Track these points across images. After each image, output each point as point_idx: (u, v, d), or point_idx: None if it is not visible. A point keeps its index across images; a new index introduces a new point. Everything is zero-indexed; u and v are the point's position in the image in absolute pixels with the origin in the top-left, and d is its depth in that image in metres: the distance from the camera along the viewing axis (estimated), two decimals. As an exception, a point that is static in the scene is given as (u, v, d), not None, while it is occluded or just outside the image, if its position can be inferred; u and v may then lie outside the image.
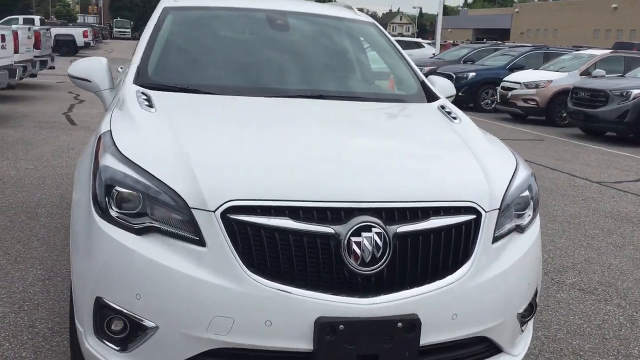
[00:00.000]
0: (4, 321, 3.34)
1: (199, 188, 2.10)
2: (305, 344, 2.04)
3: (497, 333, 2.34)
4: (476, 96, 16.76)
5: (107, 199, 2.20)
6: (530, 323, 2.67)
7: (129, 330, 2.16)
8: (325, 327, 2.02)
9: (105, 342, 2.21)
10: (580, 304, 4.07)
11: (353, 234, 2.07)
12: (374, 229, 2.08)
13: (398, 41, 18.33)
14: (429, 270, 2.17)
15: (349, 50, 3.79)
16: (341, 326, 2.03)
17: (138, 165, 2.21)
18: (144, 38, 3.40)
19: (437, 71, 17.73)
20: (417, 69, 3.66)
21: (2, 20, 31.49)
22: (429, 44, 29.78)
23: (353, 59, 3.76)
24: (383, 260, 2.09)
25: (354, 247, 2.06)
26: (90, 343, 2.25)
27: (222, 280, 2.03)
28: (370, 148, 2.51)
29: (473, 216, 2.27)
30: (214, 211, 2.06)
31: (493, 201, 2.34)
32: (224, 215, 2.06)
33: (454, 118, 3.06)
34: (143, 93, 2.87)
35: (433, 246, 2.17)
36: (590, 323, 3.78)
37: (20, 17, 30.60)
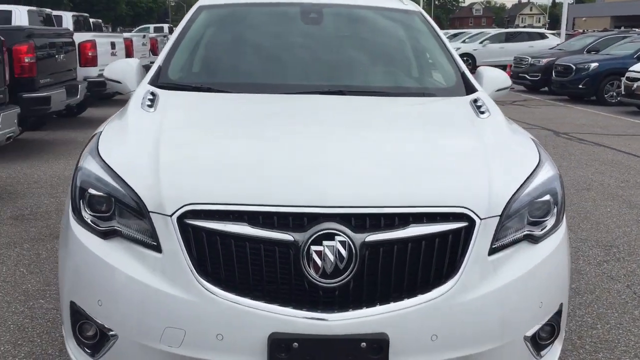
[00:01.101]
0: (44, 317, 3.46)
1: (160, 191, 2.01)
2: (258, 361, 1.89)
3: (496, 358, 2.04)
4: (599, 88, 15.51)
5: (81, 201, 2.17)
6: (556, 347, 2.31)
7: (98, 337, 2.12)
8: (278, 344, 1.86)
9: (81, 347, 2.19)
10: (662, 322, 3.55)
11: (313, 243, 1.88)
12: (337, 237, 1.88)
13: (518, 33, 17.44)
14: (405, 284, 1.93)
15: (384, 42, 3.54)
16: (295, 344, 1.86)
17: (110, 168, 2.16)
18: (173, 37, 3.39)
19: (556, 62, 16.69)
20: (459, 60, 3.34)
21: (136, 29, 33.73)
22: (553, 34, 28.14)
23: (389, 50, 3.50)
24: (348, 272, 1.88)
25: (314, 256, 1.87)
26: (71, 346, 2.25)
27: (174, 289, 1.93)
28: (359, 148, 2.28)
29: (464, 224, 1.99)
30: (171, 215, 1.96)
31: (493, 207, 2.04)
32: (180, 220, 1.95)
33: (482, 112, 2.74)
34: (152, 93, 2.84)
35: (410, 257, 1.93)
36: (667, 346, 3.28)
37: (152, 26, 32.62)
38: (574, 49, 18.83)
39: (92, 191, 2.15)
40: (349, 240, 1.88)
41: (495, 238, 2.04)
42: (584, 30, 36.77)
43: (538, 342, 2.20)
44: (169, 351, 1.94)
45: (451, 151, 2.36)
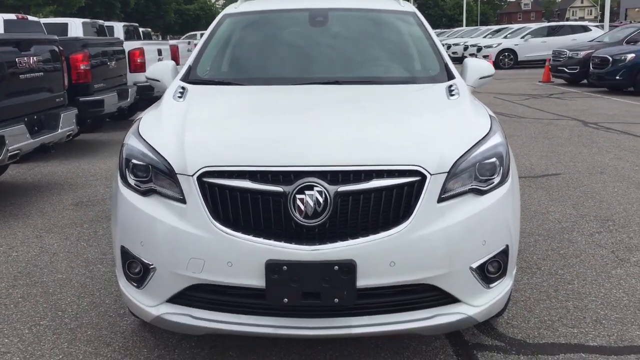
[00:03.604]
0: (102, 277, 4.17)
1: (184, 158, 2.65)
2: (258, 282, 2.50)
3: (446, 282, 2.59)
4: (636, 79, 15.56)
5: (126, 169, 2.84)
6: (505, 282, 2.83)
7: (142, 272, 2.77)
8: (272, 267, 2.47)
9: (129, 281, 2.84)
10: (633, 279, 4.00)
11: (298, 192, 2.48)
12: (315, 188, 2.48)
13: (560, 27, 17.92)
14: (369, 223, 2.51)
15: (380, 39, 4.12)
16: (285, 267, 2.46)
17: (148, 143, 2.82)
18: (201, 41, 4.08)
19: (593, 55, 16.79)
20: (444, 53, 3.89)
21: (184, 36, 34.88)
22: (596, 26, 27.91)
23: (383, 46, 4.07)
24: (324, 214, 2.47)
25: (299, 203, 2.48)
26: (122, 283, 2.91)
27: (196, 230, 2.56)
28: (343, 122, 2.87)
29: (417, 178, 2.55)
30: (192, 175, 2.59)
31: (442, 165, 2.60)
32: (199, 179, 2.58)
33: (452, 95, 3.30)
34: (182, 87, 3.51)
35: (373, 203, 2.51)
36: (632, 297, 3.74)
37: (198, 33, 33.74)
38: (614, 40, 18.84)
39: (134, 161, 2.81)
40: (325, 190, 2.47)
41: (444, 190, 2.60)
42: (630, 21, 36.12)
43: (487, 275, 2.73)
44: (193, 276, 2.57)
45: (414, 123, 2.93)
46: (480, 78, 3.91)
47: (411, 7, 4.40)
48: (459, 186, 2.65)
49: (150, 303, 2.74)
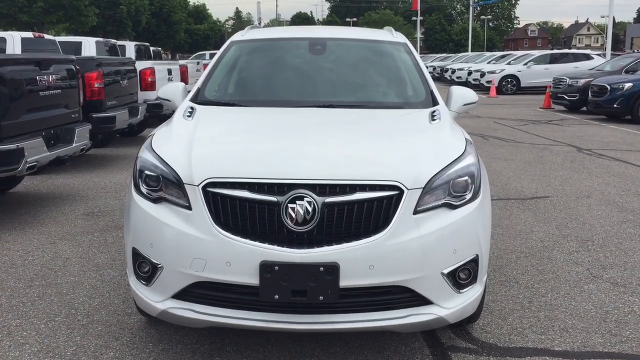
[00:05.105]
0: (112, 281, 4.51)
1: (191, 170, 3.00)
2: (253, 280, 2.84)
3: (419, 285, 2.92)
4: (633, 108, 15.93)
5: (139, 179, 3.19)
6: (476, 288, 3.15)
7: (151, 271, 3.11)
8: (265, 267, 2.80)
9: (139, 279, 3.18)
10: (603, 294, 4.31)
11: (290, 202, 2.83)
12: (305, 199, 2.82)
13: (563, 54, 18.48)
14: (352, 231, 2.85)
15: (372, 67, 4.50)
16: (276, 267, 2.80)
17: (159, 156, 3.18)
18: (210, 65, 4.46)
19: (592, 83, 17.18)
20: (430, 81, 4.26)
21: (193, 56, 35.50)
22: (598, 54, 28.35)
23: (375, 74, 4.46)
24: (312, 222, 2.82)
25: (290, 211, 2.82)
26: (132, 281, 3.25)
27: (199, 233, 2.90)
28: (332, 141, 3.25)
29: (396, 192, 2.90)
30: (198, 185, 2.94)
31: (417, 182, 2.94)
32: (204, 188, 2.93)
33: (434, 120, 3.66)
34: (191, 107, 3.89)
35: (356, 213, 2.85)
36: (599, 309, 4.05)
37: (207, 53, 34.38)
38: (613, 69, 19.24)
39: (147, 172, 3.17)
40: (314, 201, 2.82)
41: (419, 203, 2.94)
42: (634, 50, 36.59)
43: (458, 281, 3.06)
44: (196, 274, 2.91)
45: (395, 144, 3.29)
46: (464, 105, 4.28)
47: (403, 38, 4.79)
48: (433, 200, 2.99)
49: (157, 299, 3.07)
